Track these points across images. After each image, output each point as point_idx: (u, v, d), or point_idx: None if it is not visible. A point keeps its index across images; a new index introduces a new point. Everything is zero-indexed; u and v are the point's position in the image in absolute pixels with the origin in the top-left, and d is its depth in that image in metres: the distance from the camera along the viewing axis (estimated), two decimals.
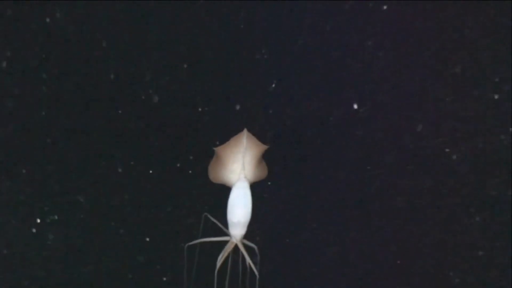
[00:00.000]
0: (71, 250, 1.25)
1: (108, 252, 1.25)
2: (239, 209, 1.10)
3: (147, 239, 1.24)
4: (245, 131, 1.15)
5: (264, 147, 1.15)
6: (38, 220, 1.24)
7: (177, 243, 1.21)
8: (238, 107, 1.23)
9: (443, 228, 1.19)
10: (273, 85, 1.23)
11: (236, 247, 1.09)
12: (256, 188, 1.15)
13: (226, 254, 1.09)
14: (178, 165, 1.24)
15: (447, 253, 1.20)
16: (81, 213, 1.24)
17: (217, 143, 1.19)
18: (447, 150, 1.16)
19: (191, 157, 1.24)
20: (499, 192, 1.16)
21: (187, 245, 1.13)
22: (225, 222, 1.11)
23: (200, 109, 1.24)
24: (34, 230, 1.24)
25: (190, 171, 1.24)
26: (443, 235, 1.19)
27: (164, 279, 1.26)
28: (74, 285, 1.25)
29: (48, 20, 1.19)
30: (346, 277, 1.23)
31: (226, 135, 1.15)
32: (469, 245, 1.18)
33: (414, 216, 1.20)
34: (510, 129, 1.14)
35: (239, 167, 1.14)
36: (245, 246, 1.10)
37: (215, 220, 1.12)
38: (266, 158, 1.18)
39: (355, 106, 1.18)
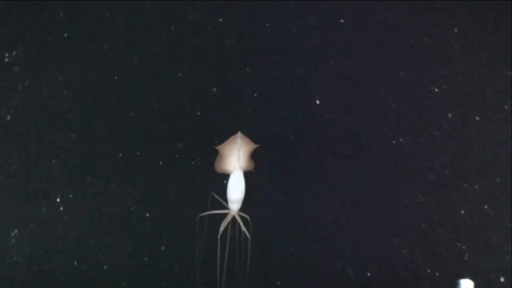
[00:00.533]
0: (86, 221, 1.48)
1: (118, 226, 1.49)
2: (236, 190, 1.48)
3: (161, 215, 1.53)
4: (239, 133, 1.54)
5: (253, 146, 1.55)
6: (58, 199, 1.47)
7: (186, 218, 1.53)
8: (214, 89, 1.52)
9: (392, 206, 1.43)
10: (255, 95, 1.60)
11: (234, 218, 1.48)
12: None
13: (226, 223, 1.48)
14: (184, 157, 1.56)
15: (396, 228, 1.42)
16: (99, 193, 1.50)
17: (216, 141, 1.55)
18: (394, 141, 1.44)
19: (197, 153, 1.56)
20: (437, 176, 1.40)
21: (199, 216, 1.50)
22: (226, 200, 1.49)
23: (199, 113, 1.58)
24: (61, 208, 1.49)
25: (192, 162, 1.56)
26: (392, 212, 1.43)
27: (163, 248, 1.50)
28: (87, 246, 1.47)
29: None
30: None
31: (225, 136, 1.54)
32: (414, 219, 1.41)
33: (369, 195, 1.45)
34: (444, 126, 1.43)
35: (235, 159, 1.53)
36: (240, 217, 1.49)
37: (219, 198, 1.50)
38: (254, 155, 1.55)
39: (317, 102, 1.47)
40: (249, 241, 1.47)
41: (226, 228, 1.47)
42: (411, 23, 1.44)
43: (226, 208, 1.48)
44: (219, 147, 1.50)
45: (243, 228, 1.47)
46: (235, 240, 1.47)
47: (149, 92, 1.50)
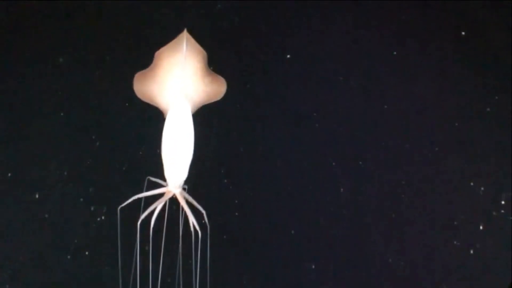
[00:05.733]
0: None
1: None
2: (176, 141, 0.77)
3: None
4: (185, 33, 0.79)
5: (206, 57, 0.81)
6: None
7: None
8: None
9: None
10: None
11: (175, 199, 0.78)
12: None
13: (158, 205, 0.77)
14: None
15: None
16: None
17: None
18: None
19: None
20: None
21: (119, 207, 0.80)
22: None
23: None
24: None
25: None
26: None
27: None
28: None
29: None
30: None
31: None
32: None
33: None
34: None
35: (177, 82, 0.79)
36: (189, 202, 0.78)
37: (158, 180, 0.80)
38: None
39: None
40: (200, 238, 0.78)
41: (162, 215, 0.77)
42: None
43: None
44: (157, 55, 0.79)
45: (191, 218, 0.77)
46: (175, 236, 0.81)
47: None
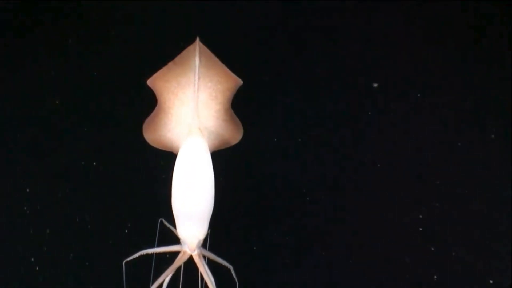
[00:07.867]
0: None
1: None
2: (190, 188, 0.60)
3: None
4: (197, 42, 0.61)
5: (235, 80, 0.62)
6: None
7: None
8: None
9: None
10: None
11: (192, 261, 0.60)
12: None
13: (172, 270, 0.61)
14: None
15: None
16: None
17: None
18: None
19: None
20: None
21: (125, 261, 0.65)
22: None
23: None
24: None
25: None
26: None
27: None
28: None
29: None
30: None
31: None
32: None
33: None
34: None
35: (189, 112, 0.61)
36: (210, 262, 0.61)
37: (171, 227, 0.64)
38: None
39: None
40: None
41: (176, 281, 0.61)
42: None
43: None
44: (155, 79, 0.62)
45: (211, 283, 0.60)
46: None
47: None
